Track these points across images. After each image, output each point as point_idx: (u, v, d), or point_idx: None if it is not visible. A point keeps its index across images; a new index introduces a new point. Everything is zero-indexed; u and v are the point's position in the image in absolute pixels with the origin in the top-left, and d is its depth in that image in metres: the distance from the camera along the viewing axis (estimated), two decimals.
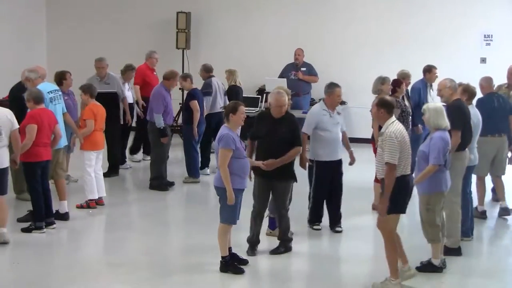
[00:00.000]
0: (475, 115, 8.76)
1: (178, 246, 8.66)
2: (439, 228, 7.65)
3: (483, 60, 15.02)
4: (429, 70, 12.30)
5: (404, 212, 7.20)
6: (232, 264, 7.60)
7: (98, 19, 16.95)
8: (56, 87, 9.97)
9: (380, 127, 7.35)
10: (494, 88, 10.44)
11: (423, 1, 15.54)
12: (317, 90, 14.79)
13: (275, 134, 8.01)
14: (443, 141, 7.52)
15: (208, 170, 12.28)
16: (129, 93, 12.71)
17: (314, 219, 9.20)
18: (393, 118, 7.21)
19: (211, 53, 15.86)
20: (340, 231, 9.12)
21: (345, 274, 7.89)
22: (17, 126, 8.45)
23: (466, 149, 8.38)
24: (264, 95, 14.73)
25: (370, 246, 8.78)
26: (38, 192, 8.82)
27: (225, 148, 7.33)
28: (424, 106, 7.81)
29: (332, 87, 9.09)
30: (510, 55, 14.61)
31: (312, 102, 15.25)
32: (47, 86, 9.69)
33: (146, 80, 13.08)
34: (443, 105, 8.67)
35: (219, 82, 12.59)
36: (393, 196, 7.00)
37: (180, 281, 7.51)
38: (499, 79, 11.92)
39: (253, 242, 8.16)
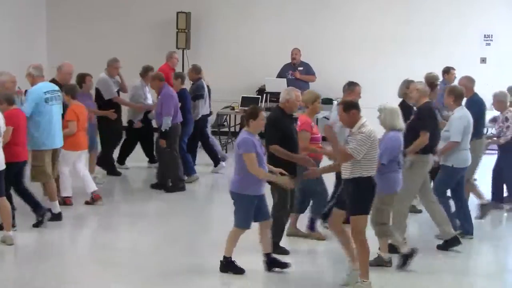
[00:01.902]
0: (465, 117, 8.69)
1: (178, 246, 8.65)
2: (388, 226, 7.74)
3: (483, 60, 15.03)
4: (447, 72, 12.36)
5: (368, 213, 7.11)
6: (232, 264, 7.60)
7: (98, 19, 16.95)
8: (56, 88, 9.64)
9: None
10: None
11: (423, 1, 15.55)
12: (316, 89, 14.78)
13: (296, 132, 8.10)
14: (395, 141, 7.56)
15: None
16: (149, 95, 12.61)
17: None
18: (364, 118, 7.09)
19: (211, 53, 15.86)
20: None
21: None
22: (5, 128, 8.40)
23: (430, 153, 8.38)
24: (264, 95, 14.75)
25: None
26: (10, 194, 8.77)
27: (248, 152, 7.28)
28: (381, 107, 7.84)
29: (352, 86, 9.10)
30: (510, 55, 14.64)
31: None
32: (44, 86, 9.45)
33: (169, 81, 12.99)
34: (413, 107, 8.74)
35: (206, 84, 12.49)
36: (360, 197, 6.97)
37: (180, 281, 7.50)
38: (499, 79, 11.97)
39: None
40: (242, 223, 7.49)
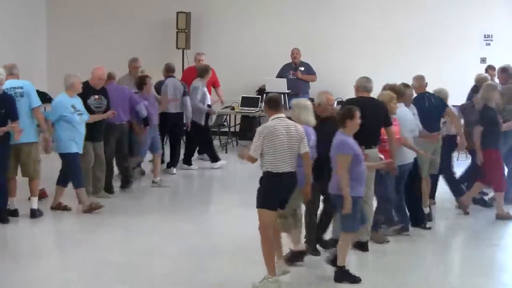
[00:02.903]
0: (400, 114, 8.74)
1: (178, 245, 8.64)
2: (288, 220, 7.65)
3: (483, 60, 15.01)
4: (485, 71, 12.22)
5: (274, 209, 6.99)
6: (347, 273, 7.31)
7: (98, 19, 16.96)
8: (16, 85, 9.50)
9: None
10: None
11: (423, 1, 15.55)
12: (316, 89, 14.78)
13: (328, 134, 7.87)
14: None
15: (174, 170, 12.44)
16: (209, 96, 12.88)
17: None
18: (278, 114, 7.06)
19: (211, 53, 15.81)
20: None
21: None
22: None
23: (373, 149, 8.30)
24: (264, 95, 14.76)
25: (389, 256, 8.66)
26: None
27: (344, 154, 7.18)
28: (294, 102, 7.84)
29: (407, 88, 9.11)
30: (510, 55, 14.62)
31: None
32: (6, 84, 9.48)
33: (190, 81, 12.99)
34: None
35: (177, 83, 12.46)
36: (262, 190, 6.99)
37: (181, 281, 7.49)
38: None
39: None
40: (349, 227, 7.28)
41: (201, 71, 12.76)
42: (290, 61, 15.06)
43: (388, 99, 8.50)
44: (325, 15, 15.91)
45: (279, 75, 14.99)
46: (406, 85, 9.25)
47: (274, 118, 7.02)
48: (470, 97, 11.45)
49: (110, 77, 11.06)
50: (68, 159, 9.60)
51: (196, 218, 10.04)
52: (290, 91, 14.57)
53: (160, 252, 8.38)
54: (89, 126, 9.95)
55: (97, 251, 8.47)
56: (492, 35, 15.20)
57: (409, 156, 8.86)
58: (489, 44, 15.23)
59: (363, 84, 8.50)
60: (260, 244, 7.00)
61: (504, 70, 11.34)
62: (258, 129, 6.99)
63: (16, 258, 8.17)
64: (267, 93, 14.74)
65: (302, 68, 14.96)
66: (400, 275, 7.72)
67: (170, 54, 15.83)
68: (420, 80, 10.06)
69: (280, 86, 14.47)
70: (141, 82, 11.38)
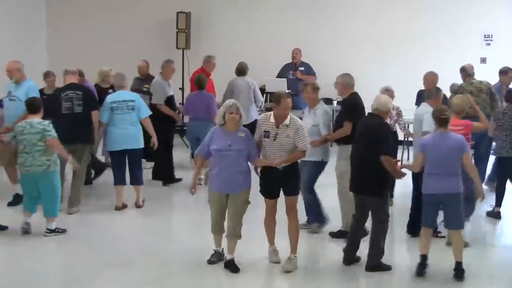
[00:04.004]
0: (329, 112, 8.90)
1: (179, 246, 8.64)
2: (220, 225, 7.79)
3: (483, 60, 15.03)
4: (503, 73, 12.08)
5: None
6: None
7: (98, 19, 16.97)
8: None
9: None
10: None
11: (423, 1, 15.56)
12: None
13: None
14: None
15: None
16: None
17: None
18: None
19: (211, 53, 15.81)
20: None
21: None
22: None
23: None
24: (264, 95, 14.75)
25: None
26: None
27: (468, 152, 7.46)
28: (234, 103, 7.76)
29: (440, 91, 9.16)
30: (510, 55, 14.64)
31: None
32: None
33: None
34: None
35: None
36: (299, 179, 7.64)
37: (181, 281, 7.49)
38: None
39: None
40: (461, 224, 7.52)
41: (245, 68, 12.73)
42: (290, 61, 15.09)
43: (466, 103, 8.54)
44: (325, 15, 15.92)
45: (279, 75, 15.01)
46: (437, 89, 9.24)
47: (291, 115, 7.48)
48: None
49: (81, 74, 10.87)
50: (141, 154, 10.08)
51: (198, 217, 10.04)
52: (290, 91, 14.57)
53: (161, 252, 8.38)
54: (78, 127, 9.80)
55: (97, 250, 8.47)
56: (492, 35, 15.21)
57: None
58: (489, 44, 15.24)
59: (349, 81, 8.64)
60: (291, 225, 7.56)
61: (462, 69, 11.54)
62: (302, 126, 7.42)
63: (13, 258, 8.18)
64: (267, 93, 14.77)
65: (302, 68, 14.98)
66: (400, 275, 7.71)
67: (170, 54, 15.79)
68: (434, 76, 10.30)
69: (280, 86, 14.44)
70: (204, 83, 11.48)
